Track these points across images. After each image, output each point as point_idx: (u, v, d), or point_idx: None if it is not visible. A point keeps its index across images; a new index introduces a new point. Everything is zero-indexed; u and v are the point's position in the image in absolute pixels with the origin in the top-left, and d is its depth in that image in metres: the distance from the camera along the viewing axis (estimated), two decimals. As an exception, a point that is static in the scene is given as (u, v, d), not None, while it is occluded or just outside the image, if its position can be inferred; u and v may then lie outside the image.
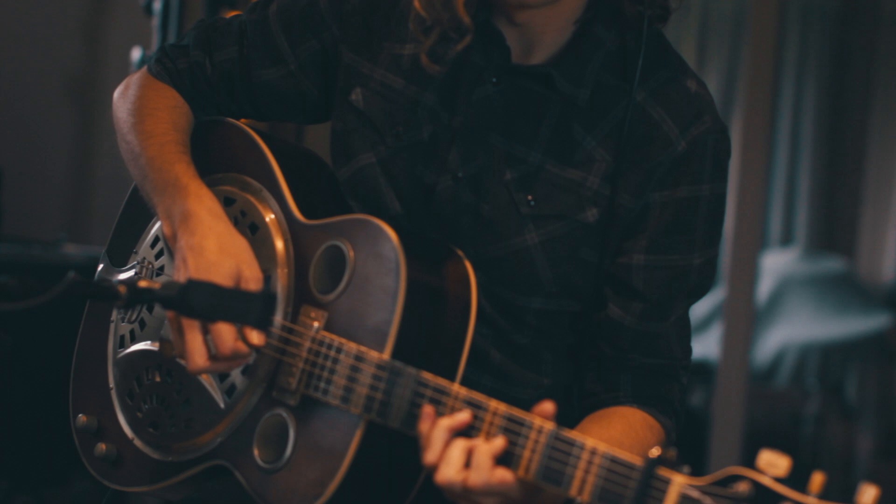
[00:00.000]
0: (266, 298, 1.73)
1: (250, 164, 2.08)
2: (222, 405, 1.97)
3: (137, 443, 2.06)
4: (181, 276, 1.93)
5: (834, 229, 7.30)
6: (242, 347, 1.89)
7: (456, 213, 1.98)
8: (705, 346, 5.63)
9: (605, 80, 1.97)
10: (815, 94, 7.25)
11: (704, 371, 5.35)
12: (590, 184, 1.96)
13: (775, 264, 6.74)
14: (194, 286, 1.76)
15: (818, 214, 7.26)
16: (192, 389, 2.00)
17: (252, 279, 1.92)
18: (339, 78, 2.06)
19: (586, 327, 2.02)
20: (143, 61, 3.69)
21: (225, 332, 1.87)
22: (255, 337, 1.90)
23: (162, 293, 1.75)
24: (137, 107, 2.13)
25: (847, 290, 6.62)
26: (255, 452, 1.92)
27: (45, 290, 1.66)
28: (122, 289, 1.72)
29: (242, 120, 2.17)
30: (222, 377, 1.97)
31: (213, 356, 1.89)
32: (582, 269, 1.98)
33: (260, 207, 2.03)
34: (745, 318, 4.77)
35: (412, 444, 1.80)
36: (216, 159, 2.11)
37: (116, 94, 2.20)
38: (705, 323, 6.03)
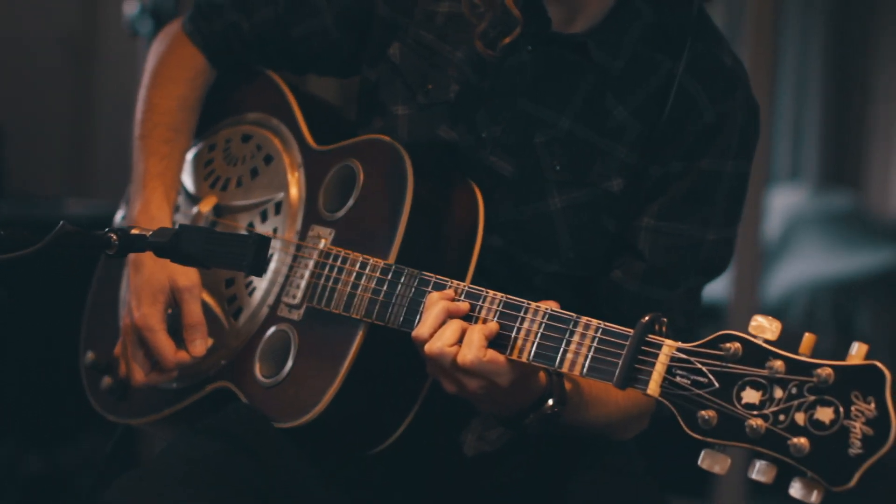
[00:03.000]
0: (259, 242, 1.72)
1: (268, 101, 2.14)
2: (227, 328, 2.02)
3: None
4: (128, 296, 2.00)
5: (842, 163, 7.26)
6: (184, 357, 1.95)
7: (475, 172, 1.99)
8: (715, 286, 5.60)
9: (642, 52, 1.97)
10: (822, 28, 7.19)
11: (714, 311, 5.34)
12: (618, 153, 1.96)
13: (784, 203, 6.70)
14: (187, 232, 1.75)
15: (826, 148, 7.22)
16: None
17: (187, 288, 1.96)
18: (374, 31, 2.07)
19: (590, 289, 2.02)
20: (140, 14, 3.67)
21: (164, 345, 1.94)
22: (197, 347, 1.95)
23: (154, 241, 1.75)
24: (158, 70, 2.18)
25: (857, 226, 6.60)
26: (258, 368, 1.96)
27: (37, 241, 1.66)
28: (114, 237, 1.72)
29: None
30: (230, 299, 2.03)
31: (157, 368, 1.96)
32: (601, 238, 1.98)
33: (274, 140, 2.10)
34: (754, 256, 4.74)
35: (416, 356, 1.80)
36: (238, 100, 2.18)
37: (156, 39, 2.25)
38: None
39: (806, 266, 6.40)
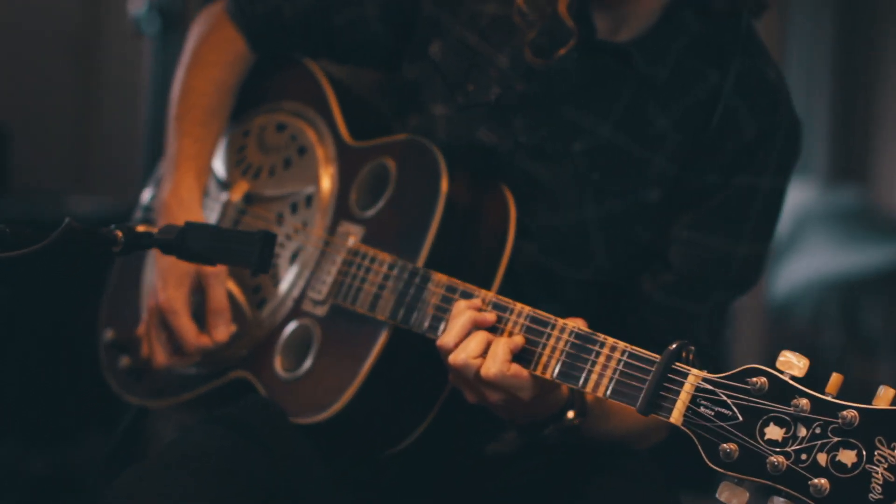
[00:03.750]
0: (265, 239, 1.71)
1: (305, 91, 2.13)
2: (251, 318, 2.01)
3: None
4: (153, 277, 2.00)
5: (851, 158, 7.25)
6: (206, 342, 1.95)
7: (512, 177, 1.97)
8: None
9: (687, 63, 1.95)
10: (830, 23, 7.18)
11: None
12: (657, 163, 1.95)
13: (793, 199, 6.69)
14: (193, 228, 1.74)
15: (835, 144, 7.22)
16: None
17: (213, 273, 1.96)
18: (417, 26, 2.06)
19: (617, 297, 2.01)
20: (148, 12, 3.66)
21: (187, 329, 1.94)
22: (220, 332, 1.95)
23: (160, 238, 1.74)
24: (197, 50, 2.17)
25: (865, 223, 6.60)
26: (278, 361, 1.95)
27: (41, 239, 1.64)
28: (120, 234, 1.71)
29: None
30: (255, 289, 2.02)
31: (178, 352, 1.97)
32: (635, 248, 1.97)
33: (309, 132, 2.09)
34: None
35: (437, 362, 1.79)
36: (275, 88, 2.17)
37: (197, 19, 2.23)
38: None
39: (815, 263, 6.40)
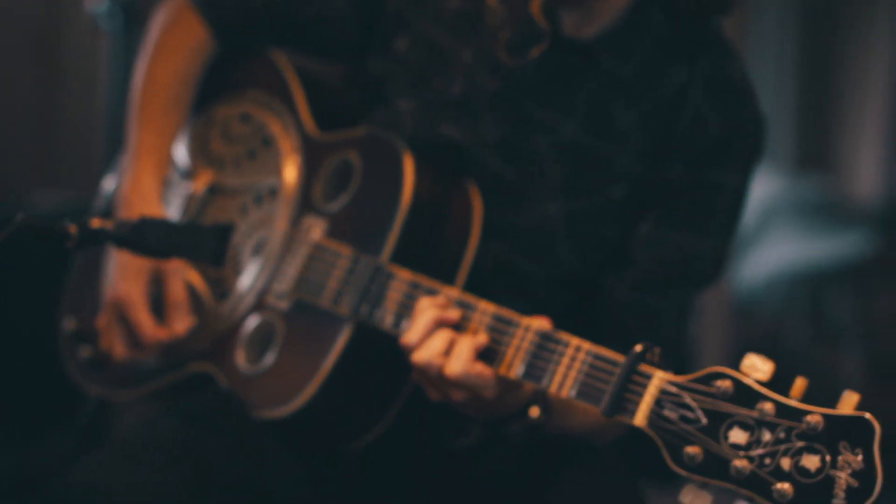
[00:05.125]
0: (219, 233, 1.70)
1: (270, 82, 2.12)
2: (213, 310, 2.00)
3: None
4: (110, 270, 1.99)
5: (815, 150, 7.29)
6: (164, 334, 1.95)
7: (477, 173, 1.97)
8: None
9: (653, 61, 1.96)
10: (796, 13, 7.22)
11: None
12: (622, 161, 1.95)
13: (759, 190, 6.72)
14: (147, 224, 1.75)
15: (799, 136, 7.26)
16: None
17: (171, 265, 1.96)
18: (383, 21, 2.05)
19: (583, 294, 2.01)
20: (110, 8, 3.63)
21: (145, 322, 1.94)
22: (178, 325, 1.95)
23: (115, 233, 1.74)
24: (160, 40, 2.15)
25: (831, 213, 6.64)
26: (241, 355, 1.94)
27: (-7, 235, 1.63)
28: (73, 229, 1.70)
29: None
30: (217, 282, 2.01)
31: (137, 345, 1.96)
32: (601, 245, 1.97)
33: (274, 123, 2.07)
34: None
35: (400, 357, 1.78)
36: (240, 77, 2.16)
37: (159, 9, 2.20)
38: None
39: (781, 253, 6.43)
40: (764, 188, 6.79)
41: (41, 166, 4.53)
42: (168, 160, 2.09)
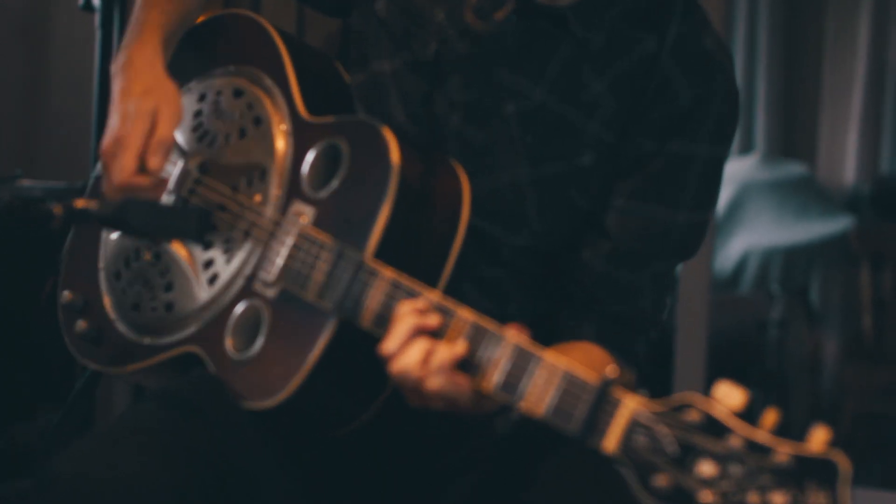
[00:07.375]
0: (200, 214, 1.73)
1: (263, 57, 2.10)
2: (203, 292, 2.00)
3: (118, 324, 2.08)
4: (111, 121, 1.97)
5: (793, 135, 7.30)
6: (141, 180, 1.93)
7: (447, 138, 1.98)
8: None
9: (624, 28, 1.95)
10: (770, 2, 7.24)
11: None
12: (591, 128, 1.95)
13: (734, 171, 6.73)
14: (132, 205, 1.78)
15: (777, 121, 7.26)
16: (175, 274, 2.03)
17: (167, 116, 1.95)
18: None
19: (558, 265, 2.02)
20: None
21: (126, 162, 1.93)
22: (155, 161, 1.93)
23: (99, 213, 1.77)
24: None
25: (808, 193, 6.62)
26: (228, 341, 1.94)
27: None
28: (58, 209, 1.73)
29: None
30: (206, 265, 2.00)
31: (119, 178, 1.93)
32: (571, 213, 1.97)
33: (265, 102, 2.05)
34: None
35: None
36: (232, 51, 2.14)
37: None
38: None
39: (757, 234, 6.43)
40: (739, 169, 6.81)
41: (29, 156, 4.52)
42: (172, 44, 2.09)
